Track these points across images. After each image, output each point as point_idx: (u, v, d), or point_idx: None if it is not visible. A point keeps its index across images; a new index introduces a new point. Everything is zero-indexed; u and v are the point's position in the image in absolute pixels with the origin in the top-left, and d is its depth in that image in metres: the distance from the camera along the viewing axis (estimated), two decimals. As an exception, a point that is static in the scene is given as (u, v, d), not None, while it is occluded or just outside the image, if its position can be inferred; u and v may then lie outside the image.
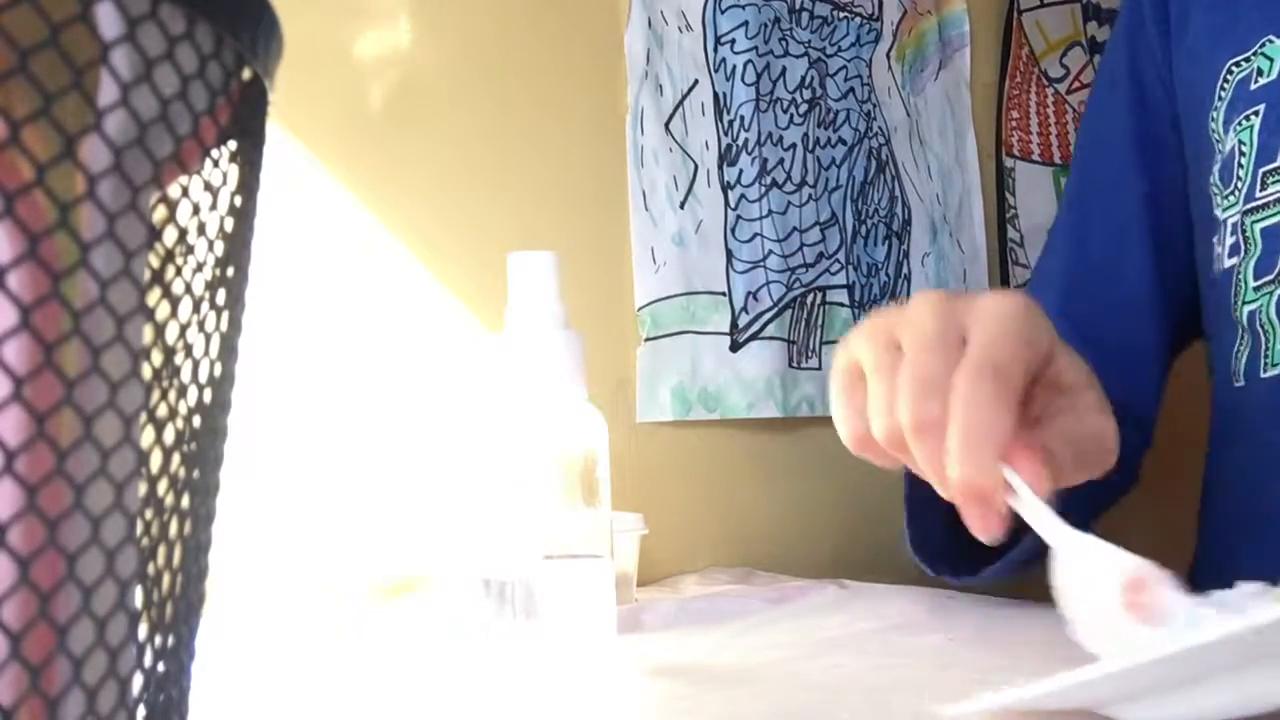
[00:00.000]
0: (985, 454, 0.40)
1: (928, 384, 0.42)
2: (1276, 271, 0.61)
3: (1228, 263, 0.64)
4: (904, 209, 1.12)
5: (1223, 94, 0.65)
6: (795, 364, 1.00)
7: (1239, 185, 0.63)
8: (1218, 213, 0.65)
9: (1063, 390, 0.45)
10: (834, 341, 1.03)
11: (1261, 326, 0.62)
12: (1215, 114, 0.66)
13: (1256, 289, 0.62)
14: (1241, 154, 0.63)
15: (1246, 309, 0.63)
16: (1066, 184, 0.80)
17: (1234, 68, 0.65)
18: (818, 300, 1.02)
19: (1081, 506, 0.47)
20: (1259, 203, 0.62)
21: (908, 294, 1.11)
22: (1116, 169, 0.73)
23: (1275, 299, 0.61)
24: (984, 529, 0.42)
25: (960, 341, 0.42)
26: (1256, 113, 0.62)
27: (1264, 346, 0.62)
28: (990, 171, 1.23)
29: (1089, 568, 0.38)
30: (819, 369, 1.02)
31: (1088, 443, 0.45)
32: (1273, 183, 0.61)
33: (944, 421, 0.41)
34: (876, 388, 0.44)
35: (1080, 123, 0.82)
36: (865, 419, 0.44)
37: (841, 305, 1.04)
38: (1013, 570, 0.57)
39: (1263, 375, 0.62)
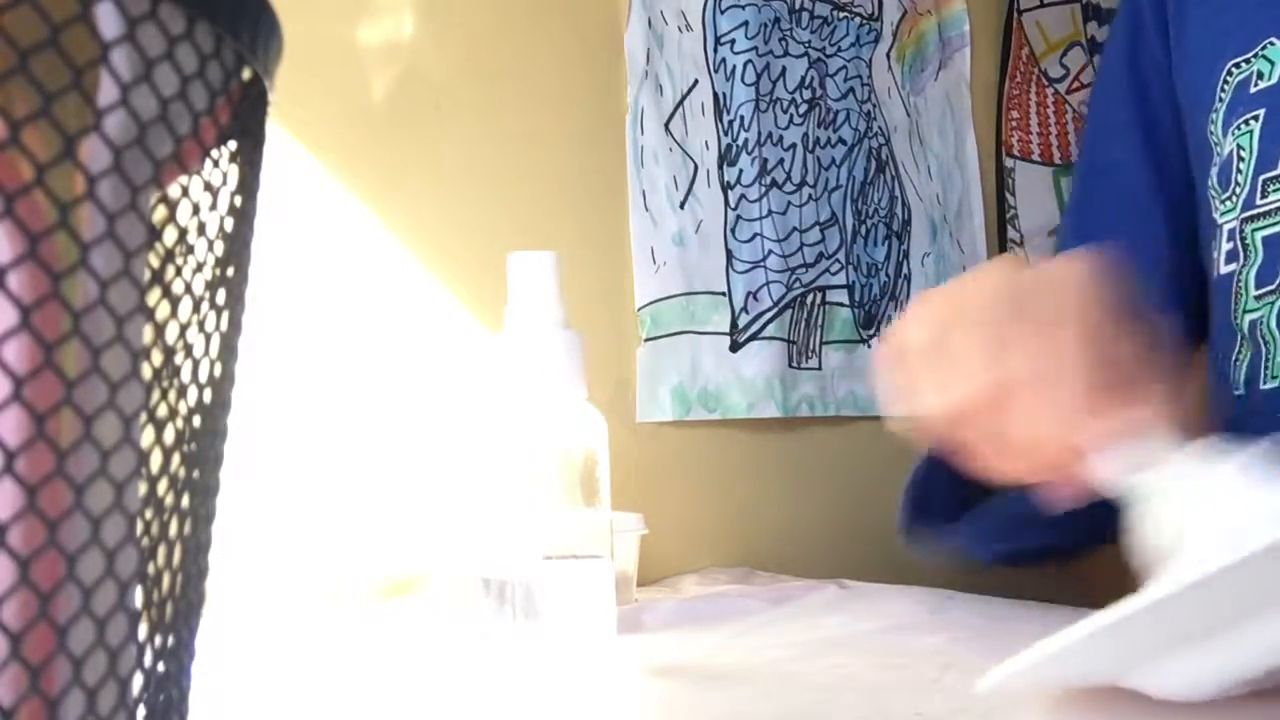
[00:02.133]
0: (1064, 406, 0.39)
1: (996, 344, 0.40)
2: (1278, 282, 0.61)
3: (1225, 268, 0.64)
4: (904, 209, 1.12)
5: (1222, 96, 0.64)
6: (795, 364, 1.00)
7: (1237, 191, 0.63)
8: (1215, 216, 0.65)
9: (1133, 360, 0.43)
10: (834, 342, 1.03)
11: (1262, 337, 0.62)
12: (1215, 116, 0.65)
13: (1258, 298, 0.62)
14: (1240, 159, 0.63)
15: (1248, 317, 0.63)
16: (1070, 197, 0.80)
17: (1234, 69, 0.64)
18: (818, 300, 1.02)
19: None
20: (1259, 210, 0.62)
21: (908, 294, 1.11)
22: (1122, 177, 0.73)
23: (1277, 310, 0.61)
24: (1053, 499, 0.41)
25: (1025, 307, 0.41)
26: (1256, 117, 0.62)
27: (1265, 358, 0.62)
28: (990, 171, 1.23)
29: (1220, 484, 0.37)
30: (819, 369, 1.02)
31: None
32: (1273, 190, 0.61)
33: (1016, 384, 0.40)
34: (940, 360, 0.43)
35: (1084, 132, 0.82)
36: (945, 391, 0.43)
37: (841, 305, 1.04)
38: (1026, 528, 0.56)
39: (1263, 387, 0.62)
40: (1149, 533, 0.39)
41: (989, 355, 0.41)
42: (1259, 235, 0.62)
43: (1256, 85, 0.63)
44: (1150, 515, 0.39)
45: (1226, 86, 0.64)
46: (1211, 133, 0.65)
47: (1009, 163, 1.24)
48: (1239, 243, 0.63)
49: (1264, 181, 0.61)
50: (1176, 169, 0.71)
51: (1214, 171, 0.65)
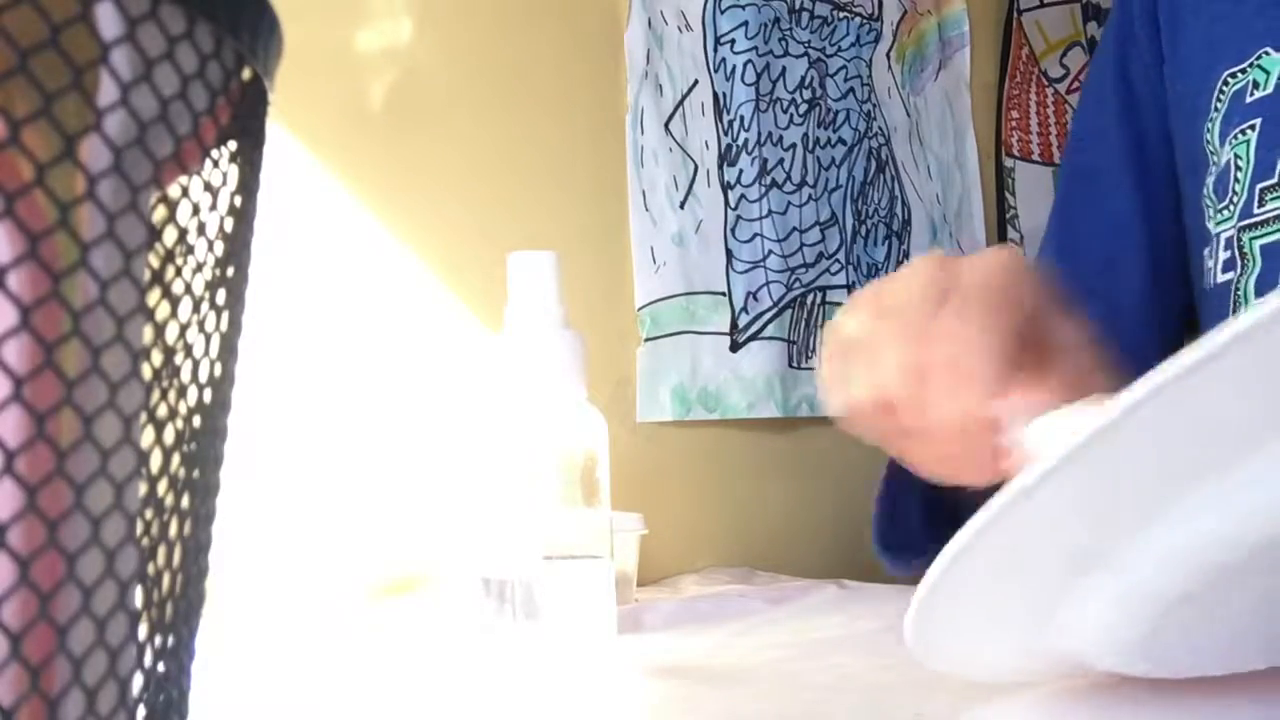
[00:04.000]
0: (978, 384, 0.39)
1: (913, 332, 0.41)
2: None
3: (1221, 278, 0.64)
4: (904, 209, 1.12)
5: (1218, 106, 0.64)
6: (795, 364, 1.00)
7: (1234, 200, 0.63)
8: (1210, 225, 0.65)
9: (1056, 349, 0.44)
10: (834, 341, 1.03)
11: None
12: (1210, 125, 0.65)
13: None
14: (1238, 168, 0.63)
15: None
16: (1054, 204, 0.80)
17: (1229, 79, 0.64)
18: (818, 300, 1.02)
19: None
20: (1257, 219, 0.62)
21: (908, 294, 1.11)
22: (1106, 184, 0.73)
23: None
24: (976, 470, 0.41)
25: (946, 297, 0.42)
26: (1253, 126, 0.62)
27: None
28: (990, 171, 1.23)
29: None
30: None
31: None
32: (1271, 199, 0.61)
33: (931, 367, 0.40)
34: (863, 352, 0.43)
35: (1066, 139, 0.82)
36: (866, 381, 0.44)
37: (841, 305, 1.04)
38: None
39: None
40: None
41: (906, 342, 0.41)
42: (1257, 244, 0.62)
43: (1252, 95, 0.63)
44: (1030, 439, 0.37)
45: (1222, 96, 0.64)
46: (1208, 142, 0.65)
47: (1009, 163, 1.24)
48: (1236, 251, 0.63)
49: (1261, 190, 0.61)
50: (1160, 176, 0.71)
51: (1210, 181, 0.65)
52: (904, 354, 0.41)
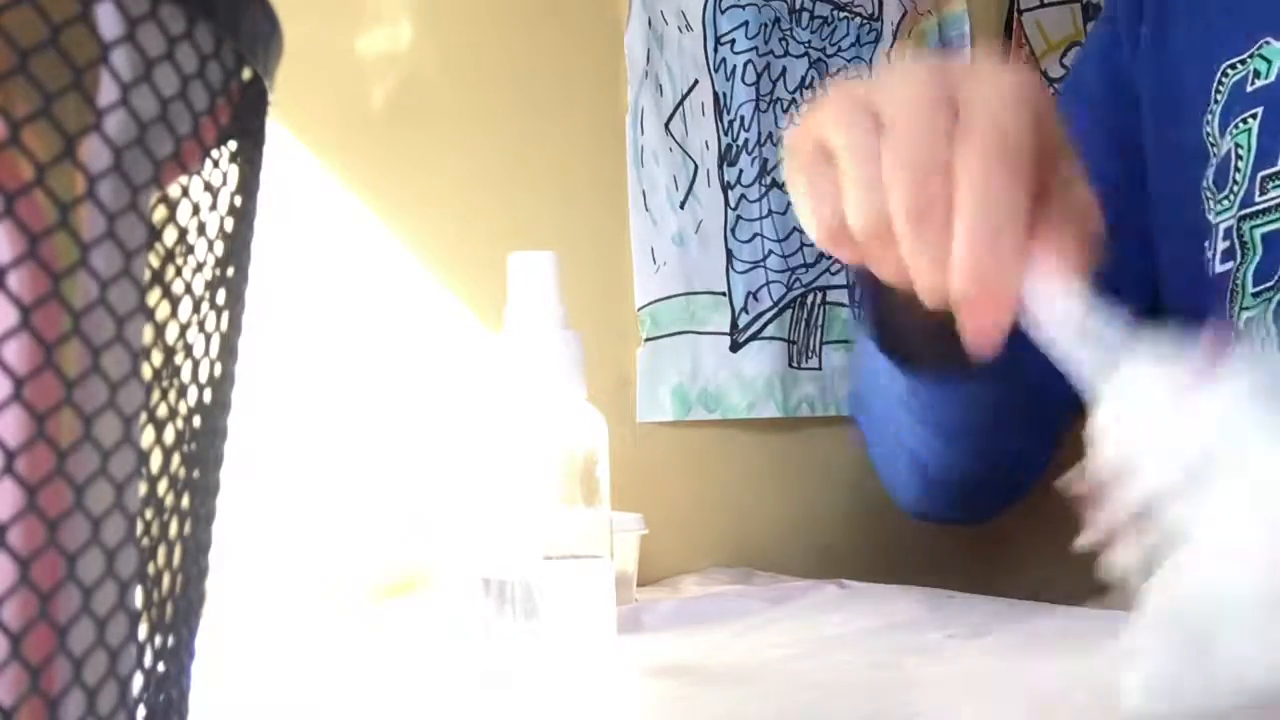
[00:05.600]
0: (1005, 243, 0.34)
1: (926, 159, 0.35)
2: (1277, 278, 0.61)
3: (1220, 267, 0.64)
4: (904, 209, 1.12)
5: (1218, 97, 0.64)
6: (795, 364, 1.00)
7: (1235, 189, 0.63)
8: (1210, 216, 0.65)
9: (1055, 191, 0.39)
10: (834, 342, 1.03)
11: (1259, 335, 0.62)
12: (1210, 117, 0.65)
13: (1255, 295, 0.62)
14: (1239, 157, 0.63)
15: (1245, 315, 0.63)
16: None
17: (1229, 70, 0.64)
18: (818, 300, 1.02)
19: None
20: (1258, 207, 0.62)
21: (908, 294, 1.11)
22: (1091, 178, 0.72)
23: (1274, 305, 0.61)
24: (983, 337, 0.37)
25: (955, 114, 0.36)
26: (1254, 115, 0.62)
27: None
28: (990, 171, 1.23)
29: (1146, 372, 0.32)
30: (819, 369, 1.02)
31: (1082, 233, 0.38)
32: (1272, 187, 0.61)
33: (947, 205, 0.35)
34: (856, 170, 0.37)
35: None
36: (838, 207, 0.38)
37: (842, 305, 1.04)
38: (990, 379, 0.51)
39: None
40: (1111, 446, 0.33)
41: (914, 171, 0.36)
42: (1258, 232, 0.62)
43: (1253, 84, 0.63)
44: (1117, 426, 0.33)
45: (1222, 87, 0.64)
46: (1208, 134, 0.65)
47: (1009, 163, 1.24)
48: (1236, 240, 0.63)
49: (1263, 178, 0.61)
50: (1136, 171, 0.71)
51: (1210, 172, 0.65)
52: (919, 186, 0.35)
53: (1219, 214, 0.64)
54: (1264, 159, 0.61)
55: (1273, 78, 0.62)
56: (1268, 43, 0.62)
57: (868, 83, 0.39)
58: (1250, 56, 0.63)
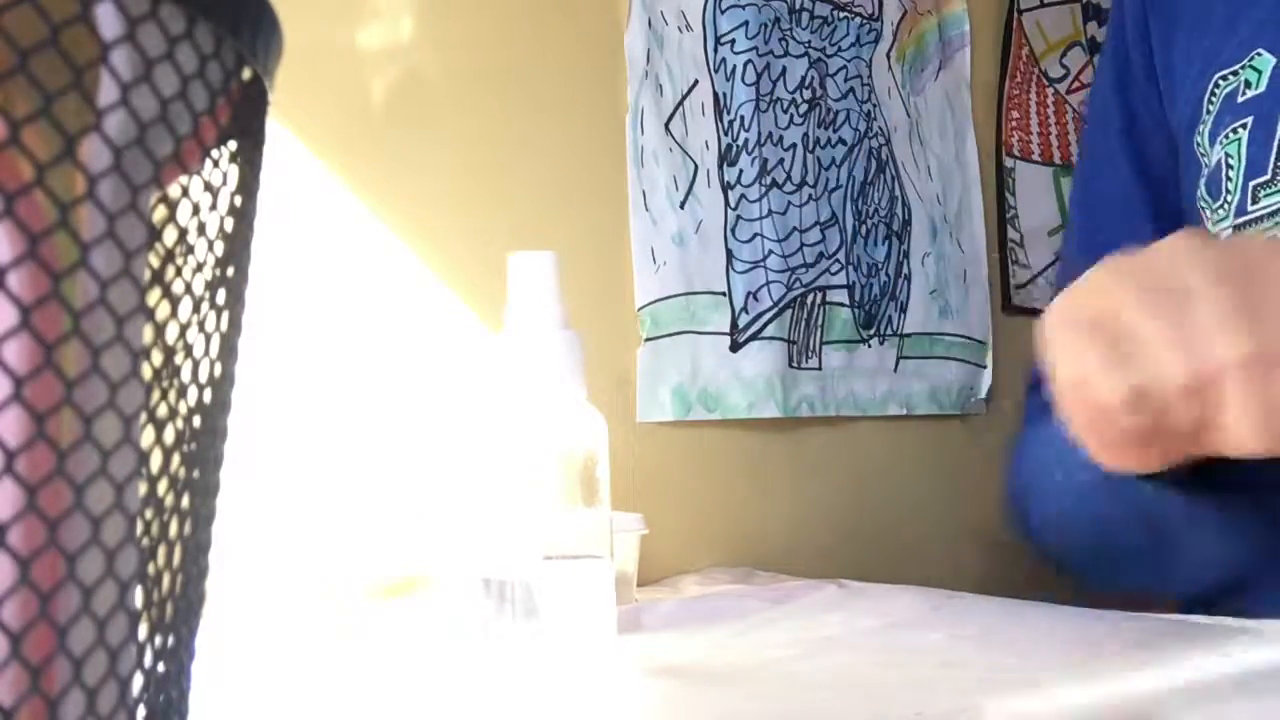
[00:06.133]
0: (1266, 422, 0.38)
1: (1248, 315, 0.38)
2: None
3: None
4: (904, 209, 1.12)
5: (1210, 108, 0.65)
6: (795, 364, 1.00)
7: (1228, 199, 0.63)
8: (1207, 226, 0.65)
9: None
10: (834, 342, 1.03)
11: None
12: (1201, 128, 0.65)
13: None
14: (1229, 167, 0.63)
15: None
16: (1069, 234, 0.79)
17: (1220, 82, 0.65)
18: (818, 300, 1.02)
19: None
20: (1251, 216, 0.62)
21: (908, 294, 1.11)
22: (1121, 203, 0.72)
23: None
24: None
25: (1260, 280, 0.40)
26: (1245, 125, 0.62)
27: None
28: (990, 171, 1.23)
29: None
30: (819, 369, 1.02)
31: None
32: (1264, 196, 0.61)
33: (1216, 389, 0.38)
34: (1161, 333, 0.40)
35: (1077, 161, 0.81)
36: (1139, 370, 0.41)
37: (841, 305, 1.04)
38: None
39: None
40: None
41: (1189, 354, 0.39)
42: None
43: (1244, 94, 0.63)
44: None
45: (1214, 99, 0.65)
46: (1199, 144, 0.66)
47: (1009, 162, 1.24)
48: None
49: (1254, 187, 0.61)
50: (1171, 196, 0.71)
51: (1202, 183, 0.65)
52: (1188, 370, 0.39)
53: (1216, 223, 0.64)
54: (1254, 168, 0.62)
55: (1263, 88, 0.62)
56: (1259, 54, 0.63)
57: (1139, 261, 0.42)
58: (1242, 68, 0.63)
